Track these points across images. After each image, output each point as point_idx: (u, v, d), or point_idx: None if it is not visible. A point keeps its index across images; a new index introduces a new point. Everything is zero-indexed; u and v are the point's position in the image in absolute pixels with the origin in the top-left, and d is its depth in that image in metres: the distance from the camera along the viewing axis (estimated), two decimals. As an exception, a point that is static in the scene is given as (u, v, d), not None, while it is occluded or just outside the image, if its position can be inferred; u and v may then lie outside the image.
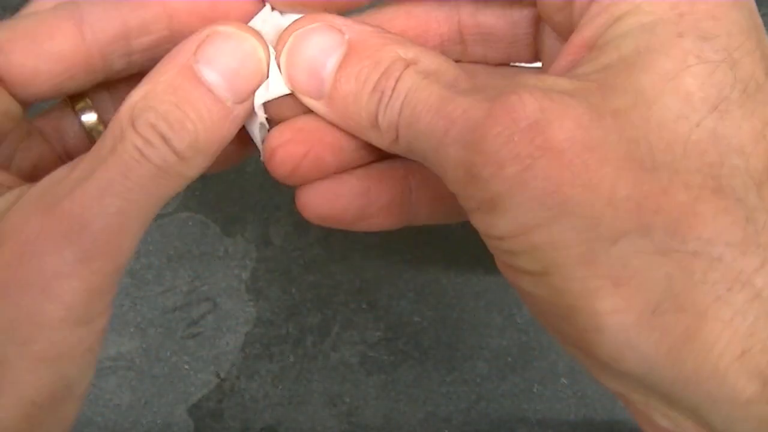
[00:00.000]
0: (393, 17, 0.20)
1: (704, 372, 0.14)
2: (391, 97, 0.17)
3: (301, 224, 0.41)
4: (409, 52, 0.17)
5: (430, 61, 0.17)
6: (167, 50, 0.17)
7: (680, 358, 0.14)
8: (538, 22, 0.20)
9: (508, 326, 0.42)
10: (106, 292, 0.16)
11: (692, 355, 0.13)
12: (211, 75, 0.16)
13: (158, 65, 0.17)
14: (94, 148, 0.16)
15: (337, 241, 0.42)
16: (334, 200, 0.19)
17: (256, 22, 0.18)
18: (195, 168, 0.17)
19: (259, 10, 0.18)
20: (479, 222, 0.16)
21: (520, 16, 0.20)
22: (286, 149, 0.18)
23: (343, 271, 0.42)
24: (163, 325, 0.40)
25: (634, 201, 0.14)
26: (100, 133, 0.19)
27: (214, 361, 0.40)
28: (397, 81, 0.17)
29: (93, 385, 0.39)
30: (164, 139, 0.16)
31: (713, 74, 0.14)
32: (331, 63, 0.17)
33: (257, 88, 0.18)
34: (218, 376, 0.40)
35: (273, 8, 0.18)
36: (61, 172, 0.16)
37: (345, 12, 0.19)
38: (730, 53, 0.14)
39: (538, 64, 0.20)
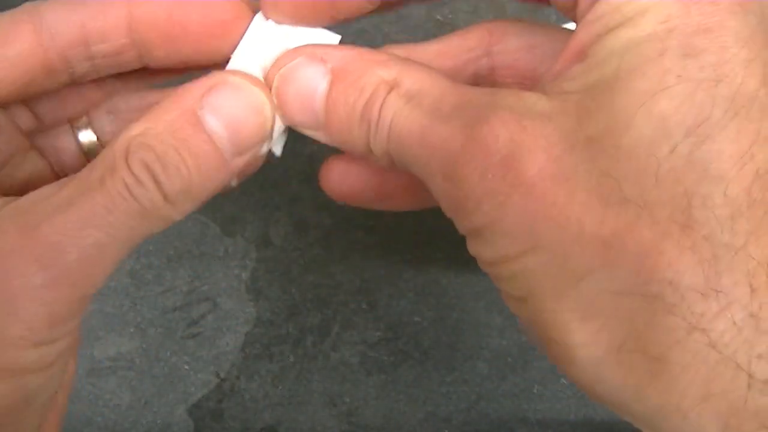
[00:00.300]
0: None
1: (668, 410, 0.14)
2: (378, 125, 0.17)
3: (301, 224, 0.41)
4: (392, 72, 0.17)
5: (413, 80, 0.17)
6: (132, 57, 0.17)
7: (645, 395, 0.14)
8: None
9: (508, 326, 0.42)
10: (70, 317, 0.15)
11: (656, 393, 0.14)
12: (214, 124, 0.16)
13: (162, 102, 0.16)
14: (84, 171, 0.16)
15: (337, 241, 0.42)
16: (352, 179, 0.20)
17: (251, 34, 0.18)
18: (181, 213, 0.16)
19: (219, 22, 0.18)
20: (470, 246, 0.16)
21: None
22: None
23: (343, 271, 0.42)
24: (163, 325, 0.40)
25: (601, 239, 0.14)
26: (95, 154, 0.19)
27: (214, 361, 0.40)
28: (380, 108, 0.17)
29: (93, 385, 0.39)
30: (156, 181, 0.15)
31: (693, 94, 0.14)
32: (320, 94, 0.18)
33: (258, 145, 0.18)
34: (218, 376, 0.40)
35: (267, 18, 0.18)
36: (47, 190, 0.16)
37: (343, 21, 0.19)
38: (718, 68, 0.14)
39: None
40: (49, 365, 0.15)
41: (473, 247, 0.16)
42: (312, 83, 0.17)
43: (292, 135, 0.21)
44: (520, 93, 0.15)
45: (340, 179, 0.20)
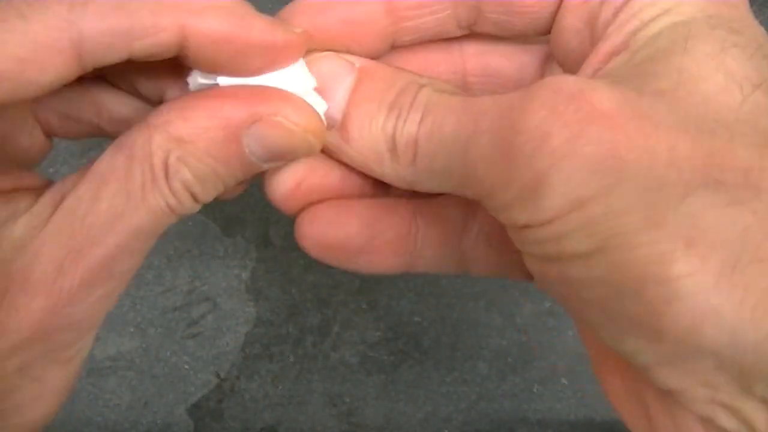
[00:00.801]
0: (391, 61, 0.19)
1: None
2: (409, 111, 0.16)
3: (301, 224, 0.41)
4: (422, 79, 0.17)
5: (445, 85, 0.17)
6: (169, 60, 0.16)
7: (765, 321, 0.12)
8: (545, 64, 0.19)
9: (508, 326, 0.42)
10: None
11: None
12: (255, 149, 0.16)
13: (203, 102, 0.16)
14: (119, 173, 0.15)
15: (337, 241, 0.42)
16: (340, 227, 0.19)
17: (289, 70, 0.17)
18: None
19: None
20: (518, 213, 0.14)
21: (530, 57, 0.19)
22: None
23: (343, 271, 0.41)
24: (163, 325, 0.40)
25: (697, 159, 0.13)
26: None
27: (214, 361, 0.40)
28: (414, 97, 0.16)
29: (93, 385, 0.39)
30: (195, 197, 0.16)
31: (751, 58, 0.14)
32: (343, 89, 0.17)
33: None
34: (218, 376, 0.40)
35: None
36: (85, 191, 0.15)
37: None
38: (762, 45, 0.15)
39: None
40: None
41: (526, 210, 0.14)
42: (336, 77, 0.17)
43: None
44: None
45: (321, 228, 0.19)
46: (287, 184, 0.18)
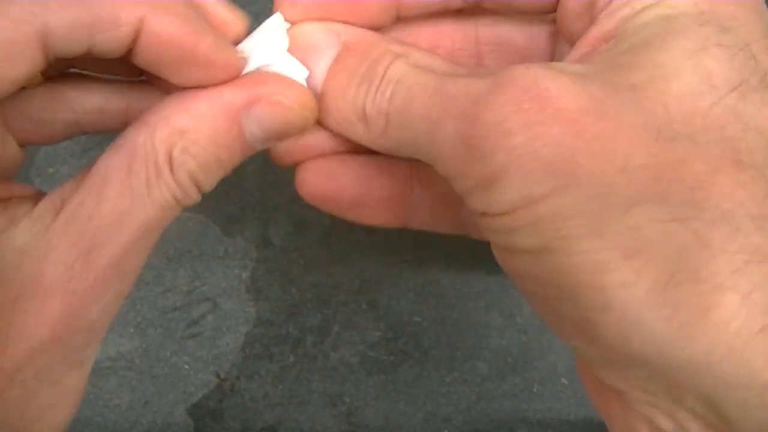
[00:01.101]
0: (406, 34, 0.19)
1: (719, 352, 0.13)
2: (380, 84, 0.16)
3: (301, 224, 0.41)
4: (399, 48, 0.17)
5: (421, 55, 0.17)
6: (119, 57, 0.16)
7: (693, 335, 0.13)
8: (556, 37, 0.19)
9: (508, 326, 0.42)
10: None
11: (706, 332, 0.13)
12: (255, 131, 0.17)
13: (203, 95, 0.16)
14: (121, 173, 0.15)
15: (337, 241, 0.42)
16: (333, 179, 0.19)
17: (264, 30, 0.18)
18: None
19: None
20: (476, 201, 0.15)
21: (539, 30, 0.19)
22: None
23: (343, 271, 0.42)
24: (163, 325, 0.40)
25: (650, 169, 0.13)
26: None
27: (214, 361, 0.40)
28: (386, 69, 0.16)
29: (93, 385, 0.39)
30: (198, 186, 0.16)
31: (733, 58, 0.14)
32: (324, 61, 0.17)
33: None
34: (218, 376, 0.40)
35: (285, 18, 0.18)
36: (87, 198, 0.15)
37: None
38: (750, 45, 0.14)
39: None
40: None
41: (483, 199, 0.15)
42: (319, 49, 0.17)
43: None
44: (549, 62, 0.15)
45: (316, 178, 0.19)
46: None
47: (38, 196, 0.16)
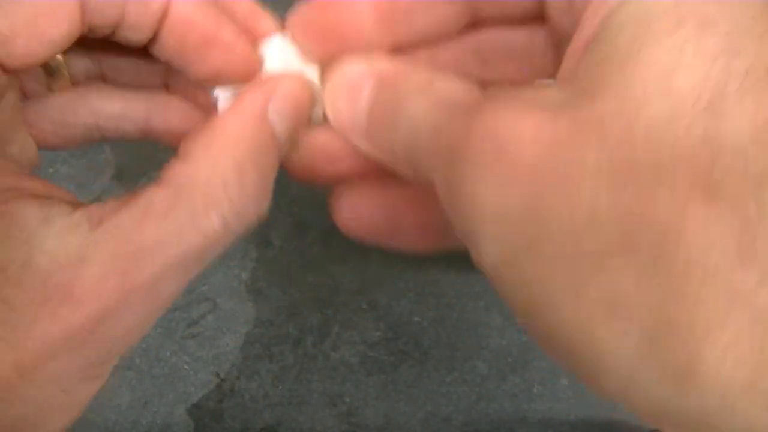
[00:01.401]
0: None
1: (712, 405, 0.12)
2: (400, 124, 0.17)
3: (301, 224, 0.41)
4: (423, 76, 0.17)
5: (445, 84, 0.17)
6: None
7: (684, 391, 0.13)
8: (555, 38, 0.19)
9: (508, 326, 0.42)
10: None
11: (697, 386, 0.12)
12: (278, 126, 0.18)
13: (230, 113, 0.17)
14: (167, 203, 0.16)
15: (337, 241, 0.42)
16: (365, 219, 0.19)
17: (270, 49, 0.19)
18: None
19: None
20: (472, 254, 0.15)
21: (539, 33, 0.19)
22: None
23: (343, 271, 0.42)
24: (163, 325, 0.40)
25: (617, 216, 0.13)
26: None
27: (214, 361, 0.40)
28: (405, 107, 0.17)
29: (93, 385, 0.39)
30: (231, 230, 0.17)
31: (712, 66, 0.13)
32: (364, 102, 0.18)
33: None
34: (218, 376, 0.40)
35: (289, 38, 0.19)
36: (128, 223, 0.16)
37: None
38: (733, 39, 0.14)
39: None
40: None
41: (474, 255, 0.15)
42: (357, 87, 0.18)
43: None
44: (528, 87, 0.15)
45: (352, 209, 0.19)
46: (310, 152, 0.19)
47: (75, 203, 0.16)
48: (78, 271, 0.15)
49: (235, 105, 0.17)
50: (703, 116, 0.13)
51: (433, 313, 0.41)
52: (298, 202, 0.42)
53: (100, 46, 0.19)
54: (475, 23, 0.19)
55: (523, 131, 0.14)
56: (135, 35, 0.17)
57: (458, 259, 0.41)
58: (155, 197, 0.16)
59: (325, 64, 0.19)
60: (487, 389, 0.41)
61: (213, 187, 0.16)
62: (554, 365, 0.42)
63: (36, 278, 0.15)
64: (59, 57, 0.18)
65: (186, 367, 0.39)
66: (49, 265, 0.15)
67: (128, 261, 0.15)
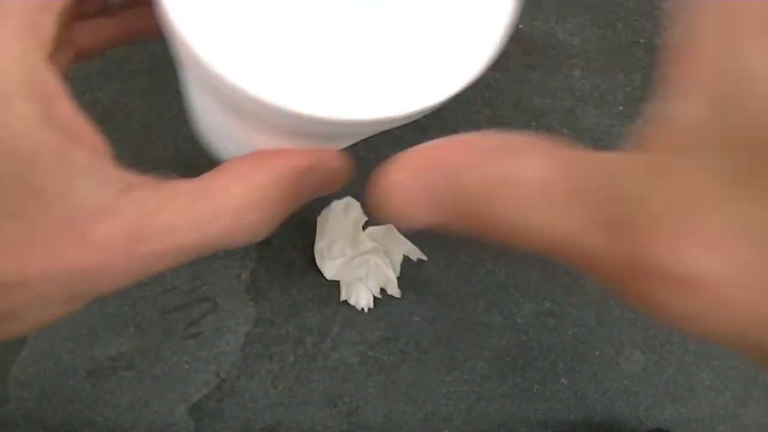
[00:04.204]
0: None
1: None
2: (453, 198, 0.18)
3: (301, 224, 0.41)
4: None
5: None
6: None
7: None
8: None
9: (508, 326, 0.42)
10: None
11: None
12: (307, 189, 0.19)
13: (271, 158, 0.18)
14: (189, 197, 0.17)
15: (337, 241, 0.42)
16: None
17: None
18: None
19: None
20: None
21: None
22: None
23: (343, 271, 0.42)
24: (163, 325, 0.40)
25: None
26: None
27: (214, 361, 0.40)
28: (461, 184, 0.18)
29: (93, 385, 0.39)
30: (234, 244, 0.18)
31: None
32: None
33: None
34: (218, 376, 0.40)
35: None
36: (152, 202, 0.17)
37: None
38: None
39: None
40: None
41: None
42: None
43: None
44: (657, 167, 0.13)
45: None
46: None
47: (117, 161, 0.18)
48: (96, 221, 0.16)
49: (284, 155, 0.18)
50: None
51: (433, 313, 0.41)
52: (298, 202, 0.42)
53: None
54: None
55: (711, 264, 0.11)
56: None
57: (458, 259, 0.41)
58: (182, 188, 0.17)
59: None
60: (487, 389, 0.41)
61: (236, 204, 0.17)
62: (554, 365, 0.42)
63: (63, 211, 0.16)
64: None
65: (186, 367, 0.39)
66: (77, 205, 0.16)
67: (138, 232, 0.16)
